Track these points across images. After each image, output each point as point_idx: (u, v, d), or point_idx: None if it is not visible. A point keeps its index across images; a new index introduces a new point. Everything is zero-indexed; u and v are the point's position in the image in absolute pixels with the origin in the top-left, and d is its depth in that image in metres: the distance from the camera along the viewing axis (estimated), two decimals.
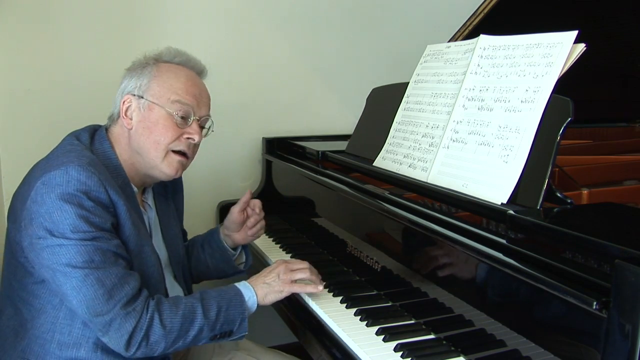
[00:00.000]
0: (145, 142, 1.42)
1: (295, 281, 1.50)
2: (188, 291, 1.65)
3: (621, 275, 0.89)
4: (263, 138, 2.47)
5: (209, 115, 1.51)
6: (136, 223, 1.38)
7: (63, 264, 1.24)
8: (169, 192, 1.66)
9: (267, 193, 2.42)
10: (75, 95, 2.19)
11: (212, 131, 1.54)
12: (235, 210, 1.71)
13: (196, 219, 2.44)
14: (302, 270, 1.53)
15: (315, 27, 2.58)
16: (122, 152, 1.44)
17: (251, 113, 2.52)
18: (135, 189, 1.46)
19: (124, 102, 1.44)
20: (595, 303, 0.92)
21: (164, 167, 1.44)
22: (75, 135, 1.43)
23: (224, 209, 2.42)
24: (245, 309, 1.41)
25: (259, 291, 1.45)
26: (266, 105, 2.54)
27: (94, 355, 1.33)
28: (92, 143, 1.42)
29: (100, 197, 1.29)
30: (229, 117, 2.47)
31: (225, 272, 1.76)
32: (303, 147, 2.25)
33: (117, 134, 1.46)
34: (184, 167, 1.49)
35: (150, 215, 1.55)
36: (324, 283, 1.64)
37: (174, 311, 1.32)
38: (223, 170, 2.51)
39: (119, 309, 1.26)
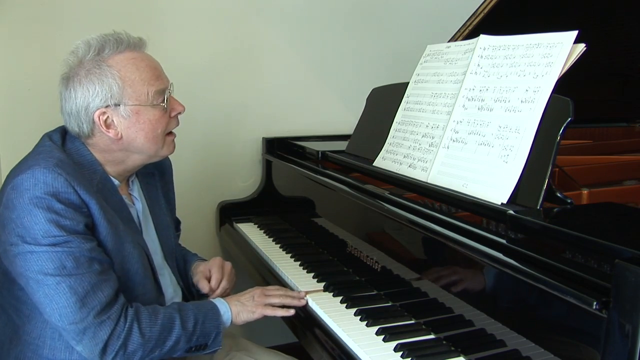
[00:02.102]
0: (144, 141, 1.40)
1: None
2: (183, 284, 1.63)
3: (621, 275, 0.89)
4: (263, 138, 2.47)
5: (170, 82, 1.47)
6: (113, 221, 1.35)
7: (35, 271, 1.23)
8: (157, 179, 1.63)
9: (267, 193, 2.42)
10: None
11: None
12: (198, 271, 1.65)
13: (196, 219, 2.44)
14: (277, 295, 1.54)
15: (315, 27, 2.58)
16: (106, 155, 1.41)
17: (251, 113, 2.52)
18: (116, 182, 1.43)
19: (98, 117, 1.35)
20: (595, 303, 0.92)
21: (164, 152, 1.47)
22: (49, 135, 1.42)
23: (224, 209, 2.42)
24: (221, 323, 1.42)
25: (233, 308, 1.46)
26: (266, 105, 2.54)
27: (86, 358, 1.32)
28: (64, 143, 1.40)
29: (70, 198, 1.26)
30: (229, 117, 2.48)
31: None
32: (303, 147, 2.25)
33: (99, 144, 1.40)
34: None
35: (138, 207, 1.52)
36: (320, 288, 1.63)
37: (153, 320, 1.32)
38: (223, 170, 2.51)
39: (93, 318, 1.24)
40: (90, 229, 1.30)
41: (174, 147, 1.50)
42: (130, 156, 1.43)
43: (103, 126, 1.37)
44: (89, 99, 1.35)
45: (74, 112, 1.37)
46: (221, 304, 1.46)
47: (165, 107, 1.42)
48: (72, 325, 1.24)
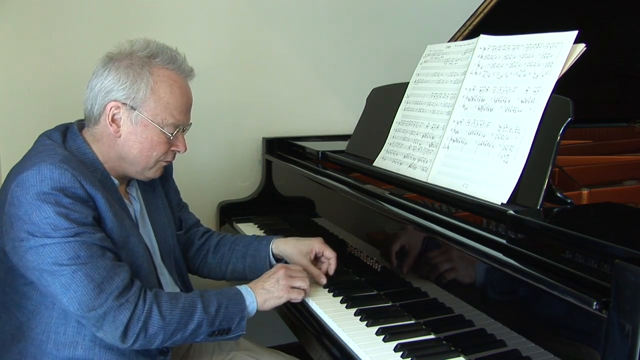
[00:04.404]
0: (136, 154, 1.41)
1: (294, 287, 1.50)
2: (182, 284, 1.62)
3: (621, 275, 0.89)
4: (263, 138, 2.47)
5: (190, 122, 1.50)
6: (118, 214, 1.36)
7: (50, 263, 1.23)
8: (157, 181, 1.63)
9: (267, 193, 2.42)
10: (76, 96, 2.16)
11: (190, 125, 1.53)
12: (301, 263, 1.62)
13: None
14: (301, 278, 1.53)
15: (315, 27, 2.58)
16: (103, 152, 1.42)
17: (251, 113, 2.52)
18: (116, 181, 1.44)
19: (110, 108, 1.38)
20: (595, 303, 0.92)
21: (151, 174, 1.47)
22: (47, 134, 1.42)
23: (224, 209, 2.42)
24: (245, 308, 1.41)
25: (259, 297, 1.45)
26: (266, 105, 2.54)
27: (91, 352, 1.32)
28: (64, 141, 1.40)
29: (77, 192, 1.27)
30: (229, 117, 2.48)
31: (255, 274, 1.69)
32: (303, 147, 2.25)
33: (100, 134, 1.42)
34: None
35: (136, 207, 1.53)
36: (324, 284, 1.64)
37: (174, 303, 1.32)
38: (223, 170, 2.51)
39: (112, 301, 1.24)
40: (97, 222, 1.31)
41: (161, 173, 1.51)
42: (121, 162, 1.43)
43: (109, 118, 1.39)
44: (115, 87, 1.37)
45: (96, 90, 1.39)
46: (247, 293, 1.44)
47: (171, 139, 1.44)
48: (92, 312, 1.24)
